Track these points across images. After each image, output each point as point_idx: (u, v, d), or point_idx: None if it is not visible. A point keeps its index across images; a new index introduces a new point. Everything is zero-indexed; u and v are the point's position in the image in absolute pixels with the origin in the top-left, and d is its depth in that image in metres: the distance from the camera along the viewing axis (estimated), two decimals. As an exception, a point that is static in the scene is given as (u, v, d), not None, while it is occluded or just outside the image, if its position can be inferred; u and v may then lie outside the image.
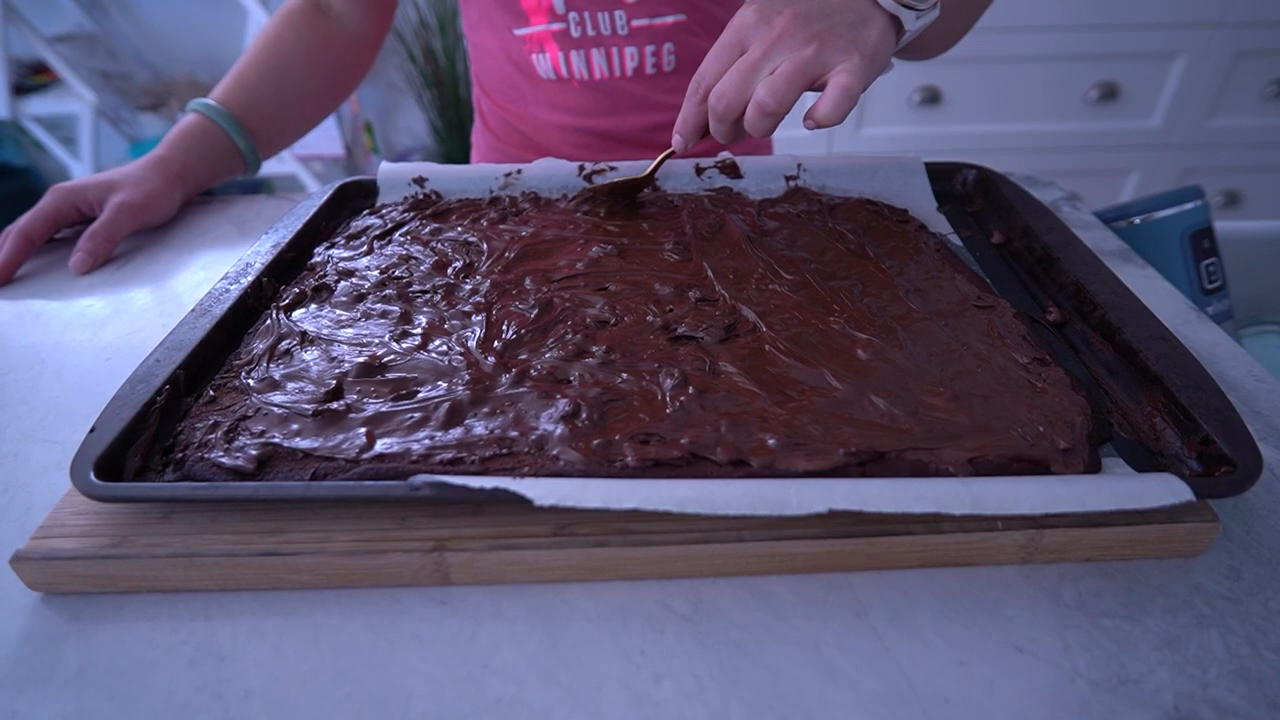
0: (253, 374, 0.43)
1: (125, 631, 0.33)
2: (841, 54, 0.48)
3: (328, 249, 0.56)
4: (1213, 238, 0.67)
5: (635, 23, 0.73)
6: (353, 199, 0.65)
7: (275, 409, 0.40)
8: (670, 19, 0.74)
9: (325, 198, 0.63)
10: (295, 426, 0.38)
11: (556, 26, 0.74)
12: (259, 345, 0.45)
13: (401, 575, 0.34)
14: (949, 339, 0.44)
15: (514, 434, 0.37)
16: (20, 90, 1.95)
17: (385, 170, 0.66)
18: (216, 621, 0.33)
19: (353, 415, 0.39)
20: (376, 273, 0.53)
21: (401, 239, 0.57)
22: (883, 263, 0.52)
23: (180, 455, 0.37)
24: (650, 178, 0.61)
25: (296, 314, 0.48)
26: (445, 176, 0.65)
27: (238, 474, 0.36)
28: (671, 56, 0.76)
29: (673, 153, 0.57)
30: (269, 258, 0.53)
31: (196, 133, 0.72)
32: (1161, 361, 0.40)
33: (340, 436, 0.38)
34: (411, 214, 0.61)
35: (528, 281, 0.51)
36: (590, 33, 0.74)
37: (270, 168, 2.01)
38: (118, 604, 0.34)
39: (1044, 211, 0.55)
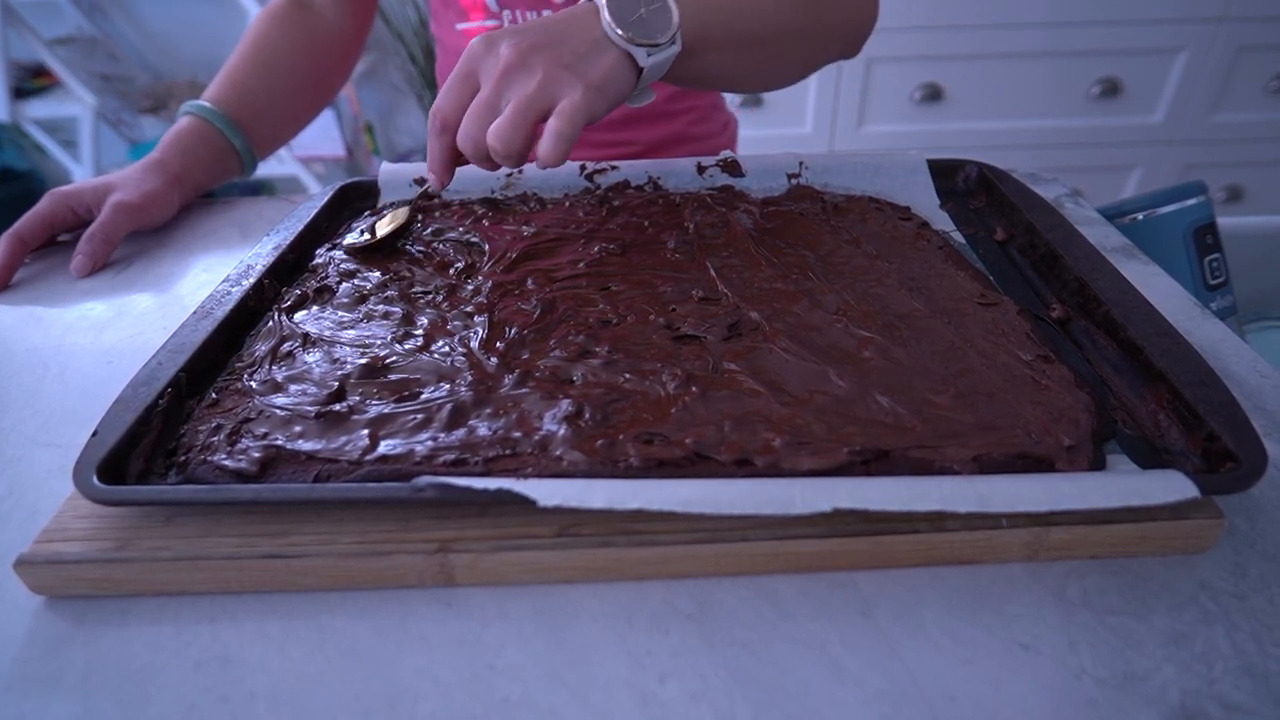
0: (255, 376, 0.43)
1: (131, 635, 0.33)
2: (566, 87, 0.47)
3: (329, 250, 0.56)
4: (1216, 233, 0.67)
5: None
6: (354, 200, 0.65)
7: (278, 411, 0.40)
8: None
9: (326, 199, 0.63)
10: (298, 428, 0.38)
11: (492, 23, 0.74)
12: (261, 347, 0.45)
13: (406, 577, 0.34)
14: (952, 337, 0.44)
15: (518, 435, 0.37)
16: (21, 93, 1.95)
17: (386, 171, 0.65)
18: (221, 624, 0.33)
19: (356, 417, 0.39)
20: (378, 274, 0.53)
21: (403, 240, 0.57)
22: (886, 261, 0.52)
23: (183, 458, 0.38)
24: (411, 221, 0.59)
25: (298, 316, 0.48)
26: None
27: (241, 476, 0.36)
28: None
29: (427, 189, 0.57)
30: (270, 259, 0.53)
31: (192, 134, 0.72)
32: (1166, 358, 0.40)
33: (343, 438, 0.38)
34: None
35: (530, 281, 0.51)
36: None
37: (271, 169, 2.01)
38: (123, 607, 0.34)
39: (1047, 208, 0.55)
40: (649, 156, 0.67)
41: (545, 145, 0.47)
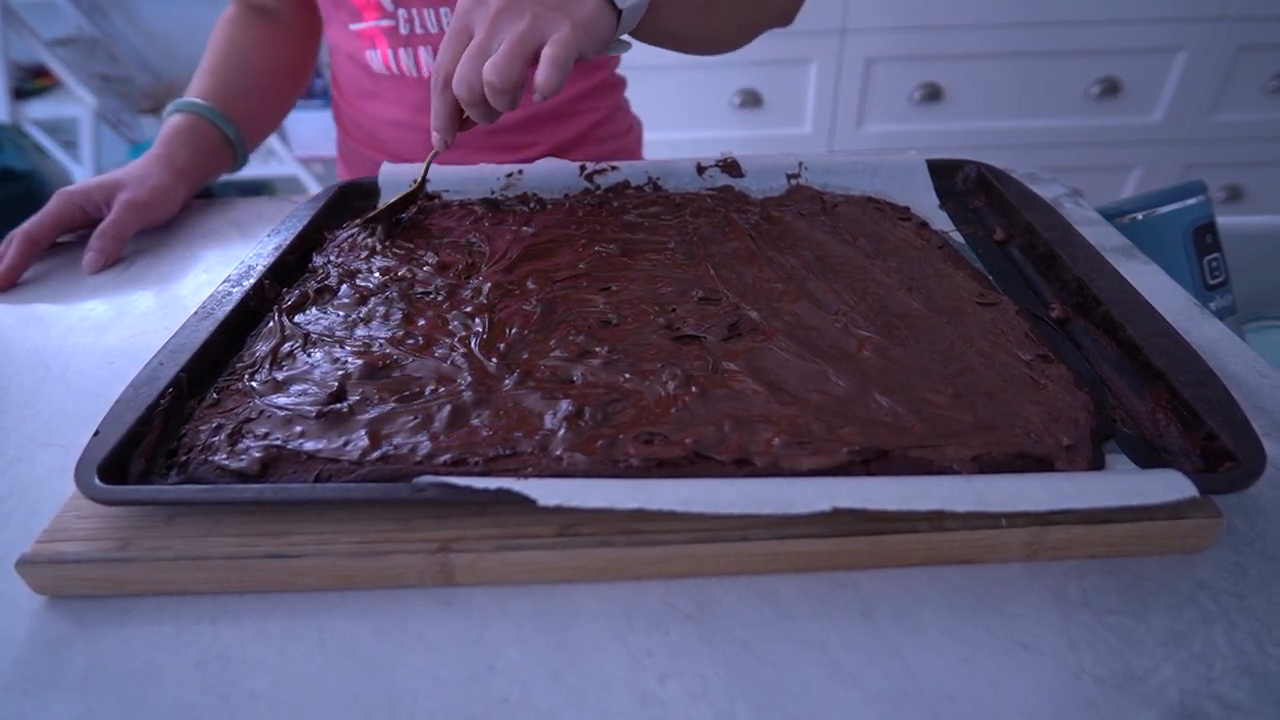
0: (256, 376, 0.43)
1: (131, 634, 0.33)
2: (554, 23, 0.50)
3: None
4: (1215, 233, 0.67)
5: None
6: (354, 200, 0.65)
7: (279, 411, 0.40)
8: None
9: (326, 199, 0.63)
10: (299, 428, 0.38)
11: (386, 23, 0.74)
12: (262, 347, 0.45)
13: (406, 577, 0.34)
14: (952, 336, 0.44)
15: (518, 435, 0.37)
16: (21, 94, 1.95)
17: (386, 171, 0.66)
18: (222, 624, 0.33)
19: (356, 417, 0.39)
20: (379, 274, 0.53)
21: (404, 240, 0.57)
22: (885, 261, 0.52)
23: (184, 458, 0.38)
24: (422, 187, 0.61)
25: (299, 316, 0.48)
26: (446, 177, 0.65)
27: (242, 476, 0.36)
28: None
29: (437, 154, 0.58)
30: (271, 260, 0.53)
31: (187, 129, 0.73)
32: (1165, 357, 0.40)
33: (344, 438, 0.38)
34: (413, 214, 0.61)
35: (530, 282, 0.51)
36: (419, 30, 0.73)
37: (272, 169, 2.01)
38: (123, 607, 0.34)
39: (1046, 208, 0.55)
40: (554, 157, 0.68)
41: (542, 72, 0.49)
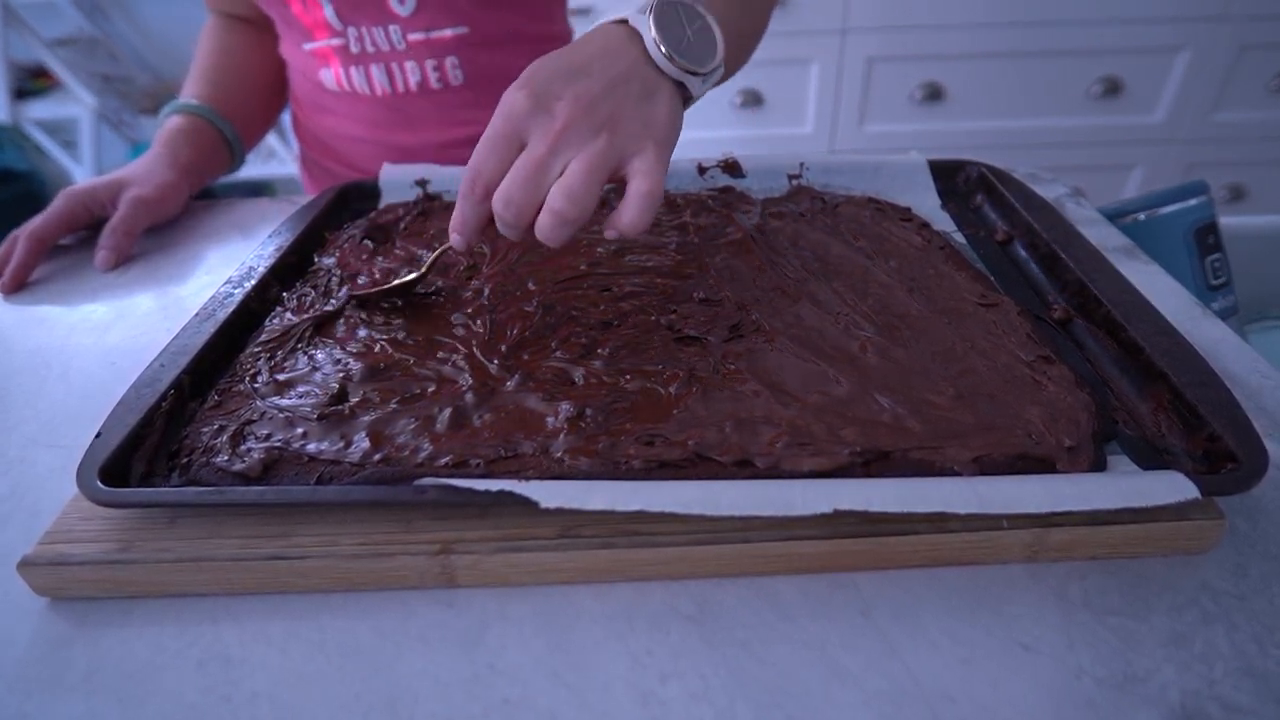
0: (257, 378, 0.43)
1: (133, 636, 0.33)
2: (635, 142, 0.42)
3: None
4: (1217, 233, 0.67)
5: (411, 36, 0.72)
6: (354, 200, 0.65)
7: (280, 413, 0.40)
8: (450, 32, 0.73)
9: (327, 200, 0.63)
10: (300, 430, 0.38)
11: (336, 42, 0.73)
12: (263, 349, 0.45)
13: (408, 578, 0.34)
14: (953, 337, 0.44)
15: (519, 436, 0.37)
16: (21, 94, 1.96)
17: (388, 172, 0.66)
18: (224, 625, 0.33)
19: (358, 418, 0.39)
20: (380, 275, 0.53)
21: (404, 241, 0.57)
22: (886, 261, 0.52)
23: (186, 460, 0.38)
24: (425, 275, 0.51)
25: (300, 317, 0.48)
26: (447, 178, 0.65)
27: (243, 478, 0.36)
28: (457, 70, 0.75)
29: (449, 249, 0.48)
30: (272, 261, 0.53)
31: (187, 129, 0.74)
32: (1166, 358, 0.40)
33: (345, 440, 0.38)
34: (414, 216, 0.61)
35: (531, 283, 0.51)
36: (370, 48, 0.73)
37: (272, 170, 2.01)
38: (125, 608, 0.34)
39: (1047, 208, 0.55)
40: None
41: (633, 212, 0.41)
